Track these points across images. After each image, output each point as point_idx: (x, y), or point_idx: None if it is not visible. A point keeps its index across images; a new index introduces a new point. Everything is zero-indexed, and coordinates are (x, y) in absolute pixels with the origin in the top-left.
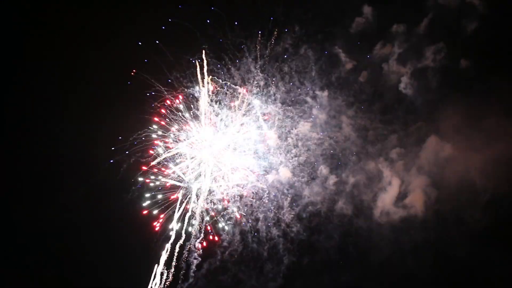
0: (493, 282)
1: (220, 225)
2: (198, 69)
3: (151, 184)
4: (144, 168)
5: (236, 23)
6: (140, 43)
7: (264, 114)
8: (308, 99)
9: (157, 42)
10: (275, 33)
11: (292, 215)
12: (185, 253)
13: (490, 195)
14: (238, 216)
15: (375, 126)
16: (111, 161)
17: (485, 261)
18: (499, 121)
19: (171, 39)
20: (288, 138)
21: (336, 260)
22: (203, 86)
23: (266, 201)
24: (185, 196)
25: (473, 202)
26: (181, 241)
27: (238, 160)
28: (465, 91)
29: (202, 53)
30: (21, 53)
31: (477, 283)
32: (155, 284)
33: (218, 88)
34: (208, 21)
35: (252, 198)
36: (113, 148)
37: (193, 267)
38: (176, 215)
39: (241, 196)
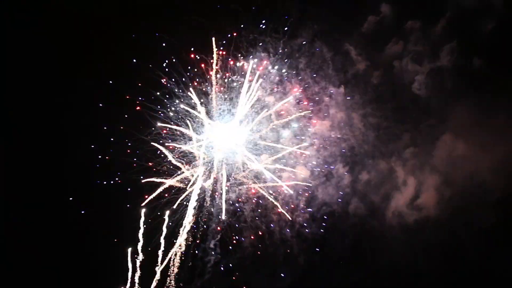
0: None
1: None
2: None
3: None
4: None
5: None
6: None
7: (278, 112)
8: (324, 97)
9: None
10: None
11: (307, 216)
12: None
13: (502, 193)
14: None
15: (388, 125)
16: None
17: (497, 261)
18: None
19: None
20: (304, 137)
21: (348, 260)
22: (215, 82)
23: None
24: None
25: (485, 201)
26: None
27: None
28: (478, 90)
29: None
30: None
31: (489, 283)
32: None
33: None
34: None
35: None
36: None
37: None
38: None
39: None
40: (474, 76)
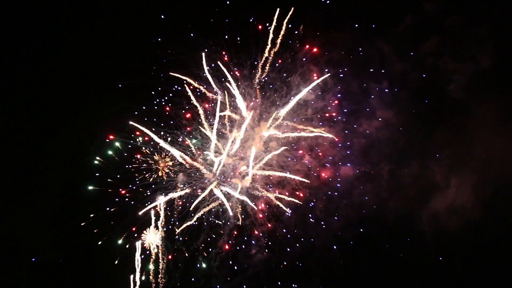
0: None
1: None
2: None
3: None
4: None
5: None
6: None
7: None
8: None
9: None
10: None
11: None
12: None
13: None
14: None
15: (423, 125)
16: None
17: None
18: None
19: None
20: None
21: (384, 263)
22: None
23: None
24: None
25: None
26: None
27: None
28: None
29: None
30: None
31: None
32: None
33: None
34: None
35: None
36: None
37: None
38: None
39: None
40: None
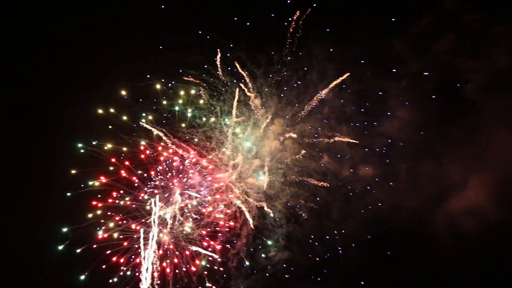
0: None
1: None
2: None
3: None
4: None
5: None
6: None
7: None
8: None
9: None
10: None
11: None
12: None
13: None
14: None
15: (440, 124)
16: None
17: None
18: None
19: None
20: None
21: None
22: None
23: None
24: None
25: None
26: None
27: None
28: None
29: None
30: None
31: None
32: None
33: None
34: None
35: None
36: None
37: None
38: None
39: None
40: None
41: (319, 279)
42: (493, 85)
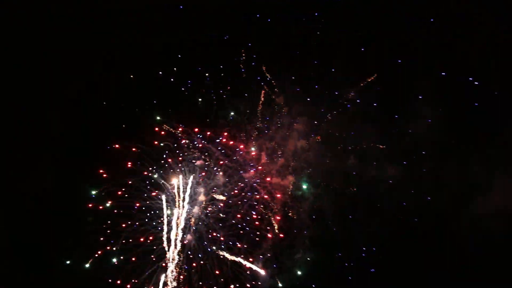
0: None
1: None
2: None
3: None
4: None
5: None
6: None
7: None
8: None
9: None
10: None
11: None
12: None
13: None
14: None
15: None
16: None
17: None
18: None
19: None
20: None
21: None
22: None
23: None
24: None
25: None
26: None
27: None
28: None
29: None
30: None
31: None
32: None
33: None
34: None
35: None
36: None
37: None
38: None
39: None
40: None
41: (344, 280)
42: None
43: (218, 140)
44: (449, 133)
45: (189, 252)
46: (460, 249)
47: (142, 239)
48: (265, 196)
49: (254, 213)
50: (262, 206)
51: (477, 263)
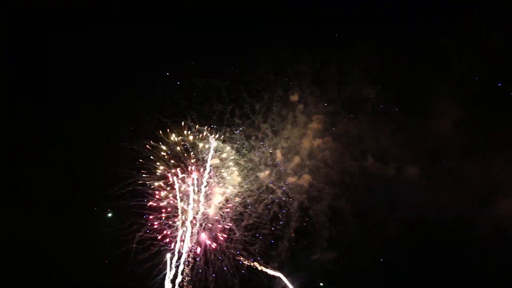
0: None
1: None
2: None
3: None
4: None
5: None
6: None
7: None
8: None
9: None
10: None
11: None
12: None
13: None
14: None
15: (487, 124)
16: None
17: None
18: None
19: None
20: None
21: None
22: None
23: None
24: None
25: None
26: None
27: None
28: None
29: None
30: None
31: None
32: None
33: None
34: None
35: None
36: None
37: None
38: None
39: None
40: None
41: (361, 280)
42: None
43: None
44: (471, 134)
45: (204, 253)
46: (482, 251)
47: (159, 237)
48: (281, 197)
49: (270, 213)
50: (278, 206)
51: (499, 266)
